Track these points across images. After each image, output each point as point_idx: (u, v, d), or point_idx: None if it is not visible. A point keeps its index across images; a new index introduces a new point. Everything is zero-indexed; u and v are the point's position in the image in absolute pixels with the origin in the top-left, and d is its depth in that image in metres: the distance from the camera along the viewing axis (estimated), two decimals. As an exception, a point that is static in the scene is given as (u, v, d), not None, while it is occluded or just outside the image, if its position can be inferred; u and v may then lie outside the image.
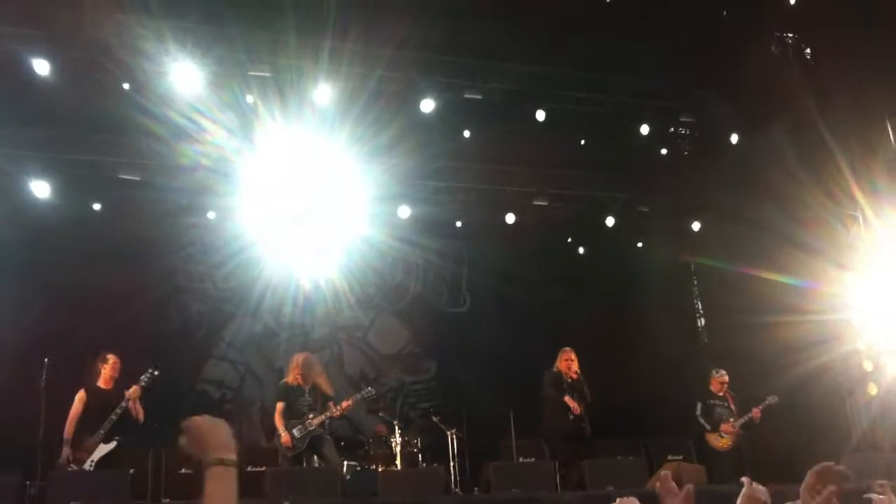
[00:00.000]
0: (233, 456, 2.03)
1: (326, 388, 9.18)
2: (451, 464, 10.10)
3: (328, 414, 8.81)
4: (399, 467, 9.48)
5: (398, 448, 9.69)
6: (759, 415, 9.97)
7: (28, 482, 7.52)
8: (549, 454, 9.76)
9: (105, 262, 10.75)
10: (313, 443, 8.69)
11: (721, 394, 10.27)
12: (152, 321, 11.44)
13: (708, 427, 10.00)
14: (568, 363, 9.82)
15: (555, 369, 9.90)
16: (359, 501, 7.79)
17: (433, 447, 10.30)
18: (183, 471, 8.48)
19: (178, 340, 11.80)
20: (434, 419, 10.51)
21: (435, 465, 9.53)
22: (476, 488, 9.29)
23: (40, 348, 8.96)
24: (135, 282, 11.06)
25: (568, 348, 9.99)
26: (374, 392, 9.68)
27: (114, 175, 10.94)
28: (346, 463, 9.47)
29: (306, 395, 8.93)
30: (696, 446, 10.20)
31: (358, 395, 9.35)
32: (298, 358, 9.27)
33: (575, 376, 9.77)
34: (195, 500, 6.61)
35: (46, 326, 10.05)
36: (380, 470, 9.26)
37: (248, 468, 9.23)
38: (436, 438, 10.41)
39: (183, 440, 2.04)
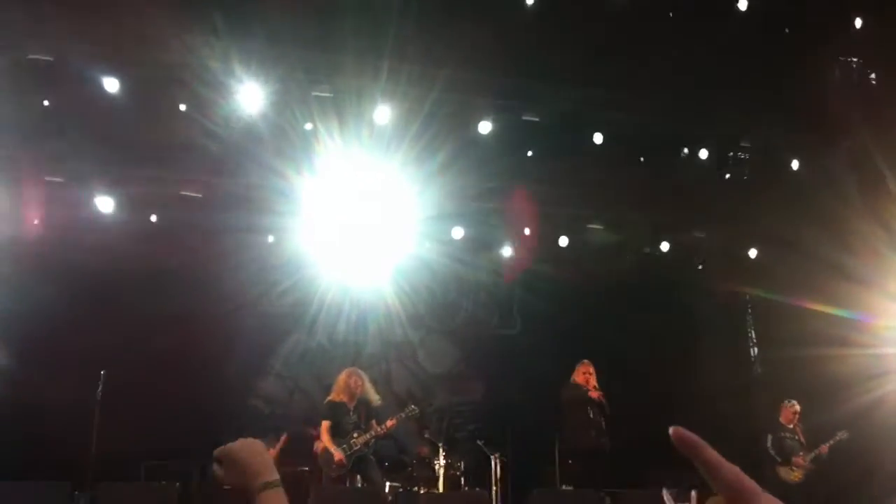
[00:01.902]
0: (277, 476, 2.00)
1: (373, 399, 9.24)
2: (494, 488, 10.09)
3: (373, 433, 8.88)
4: (441, 490, 9.51)
5: (441, 470, 9.71)
6: (826, 451, 9.80)
7: (76, 492, 7.72)
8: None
9: (163, 279, 11.07)
10: (357, 463, 8.76)
11: (791, 426, 10.08)
12: (209, 340, 11.61)
13: (779, 459, 9.83)
14: (586, 377, 9.69)
15: (572, 382, 9.79)
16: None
17: (476, 470, 10.30)
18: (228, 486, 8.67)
19: (235, 357, 11.97)
20: (479, 442, 10.53)
21: (477, 489, 9.54)
22: (519, 514, 9.28)
23: (97, 361, 9.21)
24: (191, 299, 11.29)
25: (586, 361, 9.88)
26: (417, 410, 9.68)
27: (175, 192, 11.21)
28: (388, 484, 9.50)
29: (351, 413, 9.01)
30: (758, 480, 9.92)
31: (402, 414, 9.40)
32: (343, 375, 9.38)
33: (593, 392, 9.60)
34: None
35: (104, 340, 10.23)
36: (422, 492, 9.30)
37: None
38: (479, 461, 10.41)
39: (219, 471, 2.03)
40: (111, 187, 10.94)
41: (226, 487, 2.08)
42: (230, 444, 2.04)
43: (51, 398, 9.51)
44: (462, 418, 12.62)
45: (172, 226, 11.43)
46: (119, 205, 10.99)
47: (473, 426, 12.15)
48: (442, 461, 9.74)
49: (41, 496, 7.38)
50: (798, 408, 10.04)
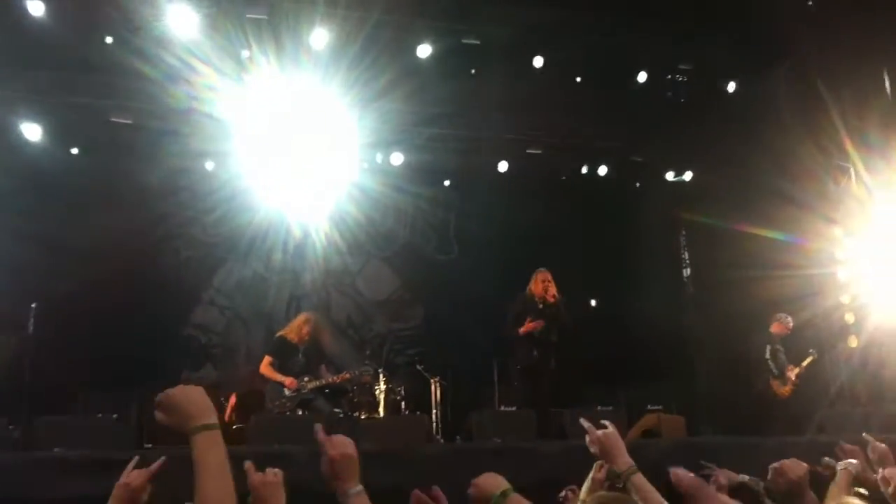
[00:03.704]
0: (214, 419, 2.09)
1: (328, 346, 9.19)
2: (434, 412, 10.18)
3: (324, 381, 8.87)
4: (382, 415, 9.56)
5: (382, 395, 9.75)
6: (805, 368, 9.86)
7: (11, 426, 7.60)
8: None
9: (95, 207, 10.78)
10: (301, 403, 8.75)
11: (782, 338, 10.02)
12: (142, 266, 11.44)
13: (775, 372, 9.77)
14: (545, 284, 9.09)
15: (526, 294, 9.26)
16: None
17: (417, 395, 10.37)
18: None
19: (168, 286, 11.81)
20: (418, 367, 10.59)
21: (418, 413, 9.62)
22: (458, 437, 9.36)
23: (28, 293, 9.01)
24: (125, 227, 11.02)
25: (543, 269, 9.31)
26: (370, 371, 9.61)
27: (105, 118, 10.90)
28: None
29: (300, 355, 8.96)
30: (749, 391, 10.07)
31: (357, 371, 9.37)
32: (307, 316, 9.29)
33: (552, 299, 9.05)
34: (177, 445, 6.76)
35: (34, 271, 10.06)
36: (363, 417, 9.35)
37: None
38: (420, 386, 10.49)
39: (159, 415, 2.10)
40: (38, 114, 10.59)
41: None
42: (168, 390, 2.12)
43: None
44: (402, 343, 12.73)
45: (103, 152, 11.12)
46: (47, 132, 10.65)
47: (413, 351, 12.24)
48: (382, 386, 9.77)
49: (-25, 431, 7.25)
50: (792, 323, 9.99)
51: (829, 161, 10.96)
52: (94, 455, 6.78)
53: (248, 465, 2.65)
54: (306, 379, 8.78)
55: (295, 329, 9.06)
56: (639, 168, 13.15)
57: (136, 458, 2.94)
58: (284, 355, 8.91)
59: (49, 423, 7.54)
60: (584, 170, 12.82)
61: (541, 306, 9.10)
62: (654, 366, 11.43)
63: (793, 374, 9.78)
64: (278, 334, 9.29)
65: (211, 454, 2.03)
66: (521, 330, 9.00)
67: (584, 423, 3.12)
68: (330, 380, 8.94)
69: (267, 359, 8.89)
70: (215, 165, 11.63)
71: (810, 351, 9.94)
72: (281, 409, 8.65)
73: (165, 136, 11.16)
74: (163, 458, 2.88)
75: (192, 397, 2.10)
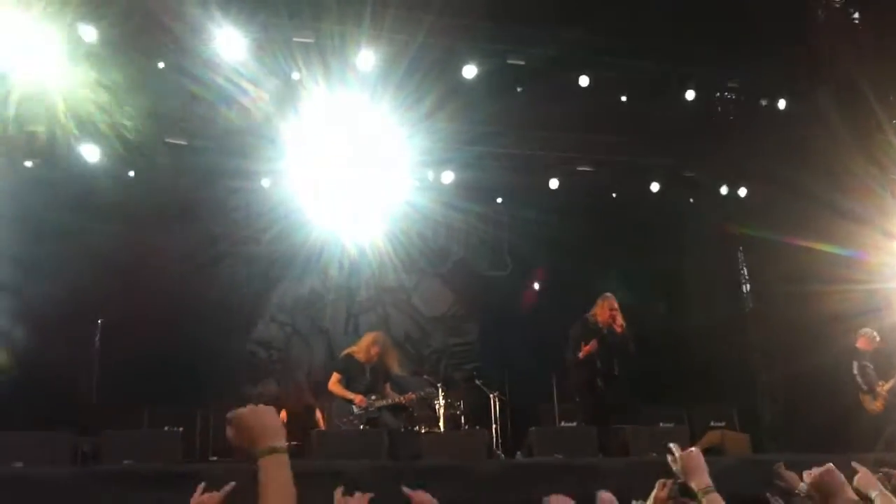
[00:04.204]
0: (283, 442, 2.08)
1: (394, 366, 9.22)
2: (494, 427, 10.17)
3: (390, 400, 8.91)
4: (442, 430, 9.57)
5: (441, 410, 9.77)
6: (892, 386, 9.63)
7: (80, 440, 7.70)
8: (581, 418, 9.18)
9: (151, 227, 10.98)
10: (368, 422, 8.77)
11: (869, 354, 9.81)
12: (201, 284, 11.59)
13: (864, 388, 9.57)
14: (612, 313, 8.87)
15: (590, 318, 9.08)
16: (402, 463, 7.87)
17: (476, 410, 10.37)
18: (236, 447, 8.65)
19: (227, 303, 11.95)
20: (477, 382, 10.59)
21: (478, 427, 9.61)
22: (518, 452, 9.33)
23: (90, 312, 9.17)
24: (181, 246, 11.29)
25: (610, 295, 9.09)
26: (435, 393, 9.70)
27: (160, 140, 11.08)
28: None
29: (367, 374, 9.00)
30: (840, 408, 9.85)
31: (422, 392, 9.49)
32: (375, 336, 9.27)
33: (619, 329, 8.85)
34: (243, 461, 6.82)
35: (96, 290, 10.18)
36: (423, 432, 9.37)
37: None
38: (478, 401, 10.48)
39: (231, 432, 2.09)
40: (95, 136, 10.78)
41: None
42: (241, 409, 2.11)
43: (51, 349, 9.49)
44: (459, 359, 12.77)
45: (159, 173, 11.29)
46: (105, 154, 10.84)
47: (471, 366, 12.23)
48: (441, 401, 9.79)
49: (45, 445, 7.31)
50: (878, 338, 9.78)
51: (885, 175, 10.87)
52: (162, 468, 6.91)
53: (337, 492, 2.76)
54: (373, 397, 8.82)
55: (363, 348, 9.07)
56: (691, 184, 13.10)
57: (204, 483, 2.96)
58: (351, 373, 8.95)
59: (117, 437, 7.65)
60: (636, 186, 12.78)
61: (605, 332, 8.99)
62: (716, 383, 11.33)
63: (884, 389, 9.56)
64: (346, 352, 9.30)
65: (277, 477, 2.04)
66: (581, 354, 8.89)
67: (671, 445, 3.12)
68: (396, 399, 8.98)
69: (336, 376, 8.93)
70: (269, 185, 11.77)
71: None
72: (349, 426, 8.68)
73: (219, 156, 11.32)
74: (233, 483, 2.91)
75: (263, 418, 2.10)
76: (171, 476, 6.61)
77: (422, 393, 9.43)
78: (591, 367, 8.93)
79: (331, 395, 8.97)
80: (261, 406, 2.12)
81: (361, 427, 8.67)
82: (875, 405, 9.54)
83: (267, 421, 2.09)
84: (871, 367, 9.72)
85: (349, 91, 10.38)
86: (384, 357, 9.11)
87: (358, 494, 2.82)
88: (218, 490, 3.01)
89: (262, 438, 2.05)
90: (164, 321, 10.45)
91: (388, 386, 9.12)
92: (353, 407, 8.74)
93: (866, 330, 9.84)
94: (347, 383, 8.88)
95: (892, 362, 9.81)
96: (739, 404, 10.20)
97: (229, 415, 2.09)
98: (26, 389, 9.48)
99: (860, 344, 9.79)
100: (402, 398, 9.06)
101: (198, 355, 10.43)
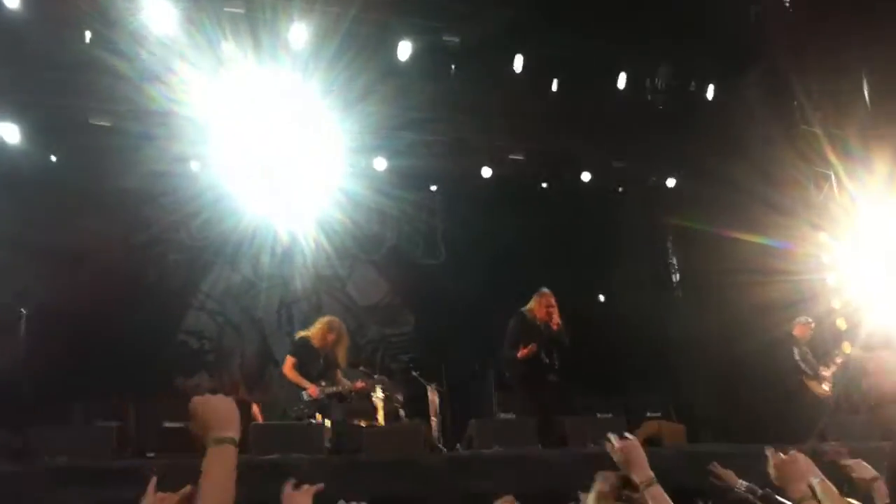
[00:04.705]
0: (234, 434, 2.10)
1: (342, 358, 9.09)
2: (433, 419, 10.13)
3: (340, 388, 8.80)
4: (381, 422, 9.49)
5: (380, 403, 9.68)
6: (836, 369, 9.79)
7: (8, 436, 7.43)
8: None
9: (78, 211, 10.59)
10: (320, 409, 8.67)
11: (805, 342, 9.97)
12: (129, 271, 11.26)
13: (809, 373, 9.67)
14: (549, 310, 9.00)
15: (527, 313, 9.18)
16: (344, 458, 7.79)
17: (414, 402, 10.31)
18: (167, 424, 8.42)
19: (156, 291, 11.65)
20: (414, 373, 10.53)
21: (417, 420, 9.57)
22: (458, 444, 9.34)
23: (14, 301, 8.83)
24: (108, 232, 10.84)
25: (547, 291, 9.17)
26: (385, 381, 9.60)
27: (84, 121, 10.69)
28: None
29: (321, 360, 8.86)
30: (785, 395, 9.92)
31: (371, 380, 9.37)
32: (330, 321, 9.12)
33: (556, 327, 8.96)
34: (180, 453, 6.70)
35: (20, 277, 9.83)
36: (363, 425, 9.27)
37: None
38: (416, 393, 10.42)
39: (190, 420, 2.12)
40: (15, 114, 10.35)
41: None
42: (198, 397, 2.15)
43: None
44: (395, 349, 12.69)
45: (83, 155, 10.89)
46: (25, 133, 10.40)
47: (407, 357, 12.15)
48: (380, 393, 9.69)
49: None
50: (814, 324, 9.93)
51: (811, 168, 11.12)
52: (96, 464, 6.72)
53: (287, 486, 2.78)
54: (323, 384, 8.70)
55: (318, 334, 8.91)
56: (621, 174, 13.22)
57: (155, 478, 2.88)
58: (306, 358, 8.80)
59: (47, 433, 7.39)
60: (567, 176, 12.85)
61: (541, 328, 9.09)
62: (648, 373, 11.51)
63: (828, 372, 9.74)
64: (301, 335, 9.14)
65: (218, 468, 2.04)
66: (519, 355, 8.97)
67: (610, 435, 3.14)
68: (347, 387, 8.88)
69: (291, 360, 8.75)
70: (197, 169, 11.45)
71: (841, 349, 9.99)
72: (299, 415, 8.56)
73: (145, 139, 10.96)
74: (189, 486, 2.82)
75: (219, 407, 2.13)
76: (107, 473, 6.44)
77: (370, 381, 9.31)
78: (530, 360, 9.00)
79: (284, 378, 8.82)
80: (217, 396, 2.16)
81: (311, 417, 8.54)
82: (822, 389, 9.70)
83: (220, 411, 2.12)
84: (810, 353, 9.92)
85: (280, 68, 10.17)
86: (338, 344, 8.99)
87: (306, 486, 2.78)
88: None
89: (212, 428, 2.07)
90: (92, 311, 10.12)
91: (338, 373, 9.00)
92: (304, 393, 8.61)
93: (802, 318, 10.02)
94: (300, 368, 8.74)
95: (826, 349, 10.08)
96: (675, 395, 10.37)
97: (191, 403, 2.12)
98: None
99: (797, 332, 9.95)
100: (353, 386, 8.94)
101: (129, 346, 10.12)
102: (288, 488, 2.78)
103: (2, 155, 10.39)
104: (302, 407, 8.62)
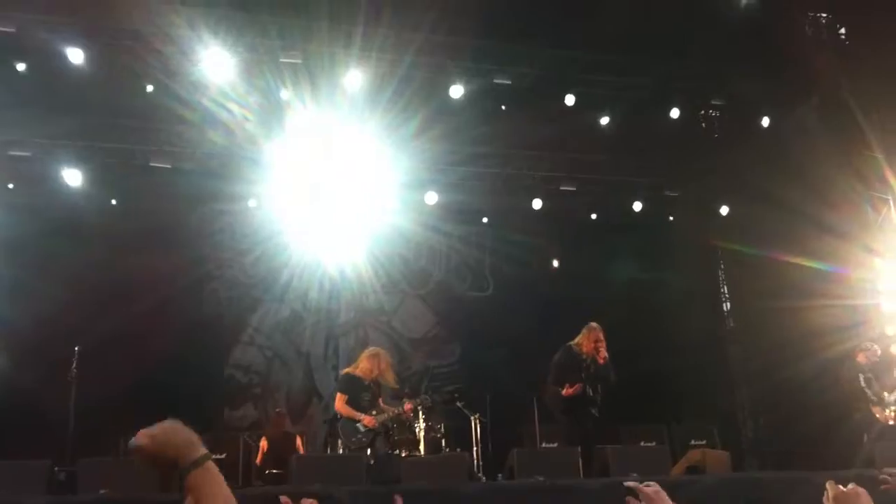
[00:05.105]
0: (203, 450, 2.01)
1: (392, 378, 9.15)
2: (475, 449, 10.10)
3: (389, 413, 8.87)
4: (423, 453, 9.49)
5: (422, 433, 9.69)
6: None
7: (56, 468, 7.62)
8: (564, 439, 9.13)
9: (134, 251, 10.92)
10: (374, 438, 8.75)
11: (869, 367, 9.63)
12: (182, 308, 11.55)
13: (874, 399, 9.40)
14: (597, 344, 8.74)
15: (574, 347, 8.96)
16: (383, 488, 7.79)
17: (457, 432, 10.30)
18: (213, 457, 8.54)
19: (208, 326, 11.93)
20: (458, 404, 10.52)
21: (458, 450, 9.54)
22: (500, 474, 9.27)
23: (70, 337, 9.07)
24: (164, 269, 11.19)
25: (596, 325, 8.89)
26: (430, 401, 9.64)
27: (144, 163, 11.10)
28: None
29: (370, 390, 8.92)
30: (849, 420, 9.61)
31: (418, 400, 9.39)
32: (375, 352, 9.18)
33: (602, 361, 8.72)
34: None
35: (76, 315, 10.13)
36: (403, 455, 9.28)
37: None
38: (460, 423, 10.41)
39: (139, 458, 1.98)
40: (78, 160, 10.78)
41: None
42: (144, 431, 2.00)
43: (27, 376, 9.41)
44: (439, 381, 12.73)
45: (142, 197, 11.29)
46: (87, 177, 10.83)
47: (451, 388, 12.10)
48: (422, 424, 9.72)
49: (20, 474, 7.23)
50: (880, 351, 9.62)
51: (868, 191, 10.88)
52: (139, 497, 6.83)
53: (283, 499, 2.67)
54: (374, 413, 8.79)
55: (364, 365, 9.00)
56: (673, 203, 13.14)
57: None
58: (354, 391, 8.89)
59: (94, 465, 7.56)
60: (617, 206, 12.82)
61: (588, 362, 8.89)
62: (697, 401, 11.31)
63: (892, 398, 9.46)
64: (345, 371, 9.22)
65: (212, 485, 1.97)
66: (564, 393, 8.80)
67: (631, 483, 3.06)
68: (394, 412, 8.94)
69: (342, 397, 8.81)
70: (252, 207, 11.74)
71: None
72: (359, 446, 8.65)
73: (203, 178, 11.30)
74: None
75: (178, 434, 2.02)
76: (150, 505, 6.56)
77: (417, 401, 9.33)
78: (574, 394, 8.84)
79: (338, 415, 8.89)
80: (167, 422, 2.04)
81: (371, 446, 8.66)
82: (886, 415, 9.40)
83: (183, 435, 2.02)
84: (875, 378, 9.59)
85: (337, 112, 10.42)
86: (385, 372, 9.06)
87: (306, 500, 2.75)
88: None
89: (185, 453, 1.98)
90: (143, 347, 10.41)
91: (380, 401, 9.07)
92: (359, 425, 8.70)
93: (867, 343, 9.71)
94: (351, 403, 8.83)
95: (880, 375, 9.78)
96: (720, 422, 10.16)
97: (132, 442, 1.98)
98: (1, 417, 9.45)
99: (860, 358, 9.62)
100: (399, 410, 9.00)
101: (177, 380, 10.35)
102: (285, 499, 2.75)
103: (65, 199, 10.85)
104: (360, 437, 8.70)
